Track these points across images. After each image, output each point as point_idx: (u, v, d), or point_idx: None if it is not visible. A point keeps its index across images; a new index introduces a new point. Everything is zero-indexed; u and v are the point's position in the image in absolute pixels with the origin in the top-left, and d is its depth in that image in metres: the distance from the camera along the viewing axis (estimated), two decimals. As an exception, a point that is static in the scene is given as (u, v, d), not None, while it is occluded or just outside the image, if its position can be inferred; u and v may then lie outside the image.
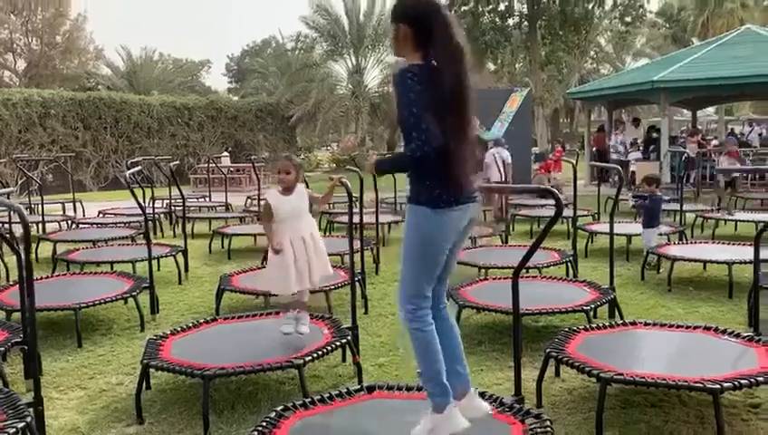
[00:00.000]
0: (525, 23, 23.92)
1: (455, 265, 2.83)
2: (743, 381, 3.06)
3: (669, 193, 13.09)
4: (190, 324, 4.36)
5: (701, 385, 3.04)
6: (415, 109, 2.46)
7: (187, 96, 27.63)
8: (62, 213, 11.56)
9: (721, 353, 3.57)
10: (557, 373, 4.02)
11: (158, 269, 7.35)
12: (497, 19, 23.66)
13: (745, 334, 3.83)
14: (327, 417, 2.94)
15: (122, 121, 23.13)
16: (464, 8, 23.07)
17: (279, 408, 2.96)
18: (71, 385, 4.20)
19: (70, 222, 10.41)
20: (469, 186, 2.64)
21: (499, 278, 5.64)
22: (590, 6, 22.43)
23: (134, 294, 5.30)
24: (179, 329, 4.23)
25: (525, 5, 23.62)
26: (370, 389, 3.19)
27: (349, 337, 3.97)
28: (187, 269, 7.33)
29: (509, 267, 6.04)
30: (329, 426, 2.87)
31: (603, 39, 32.85)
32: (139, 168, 7.40)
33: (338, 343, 3.86)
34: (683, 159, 14.00)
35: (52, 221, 10.34)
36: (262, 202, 4.20)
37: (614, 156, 17.24)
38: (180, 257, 7.25)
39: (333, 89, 27.94)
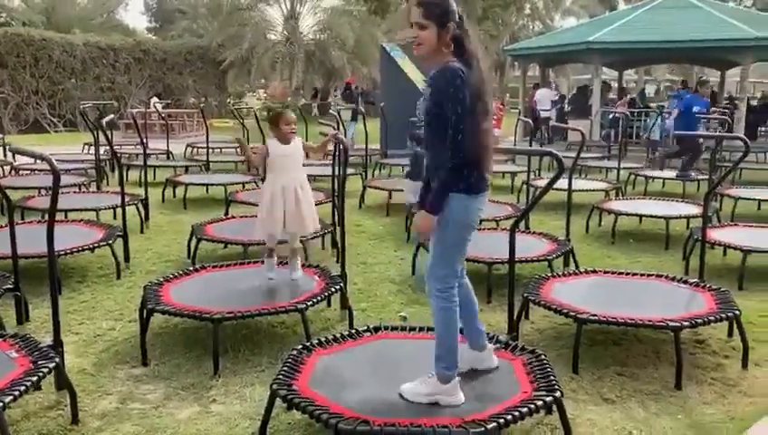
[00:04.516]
0: (463, -25, 24.04)
1: None
2: (698, 321, 3.55)
3: (599, 151, 13.89)
4: (182, 272, 4.48)
5: (664, 324, 3.51)
6: (460, 110, 2.59)
7: (111, 36, 26.33)
8: (-9, 158, 11.07)
9: (675, 297, 4.07)
10: (526, 316, 4.43)
11: (115, 217, 7.31)
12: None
13: (692, 281, 4.36)
14: (344, 354, 3.22)
15: (43, 61, 21.91)
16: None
17: (299, 347, 3.20)
18: (63, 331, 4.21)
19: (9, 168, 10.02)
20: (490, 172, 2.85)
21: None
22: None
23: (110, 242, 5.34)
24: (173, 276, 4.36)
25: (463, -43, 23.71)
26: (376, 329, 3.49)
27: (341, 284, 4.23)
28: (147, 218, 7.32)
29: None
30: (348, 362, 3.15)
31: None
32: (112, 116, 7.21)
33: (333, 290, 4.11)
34: (611, 117, 14.75)
35: (-12, 166, 9.94)
36: (259, 149, 4.41)
37: (543, 113, 17.93)
38: (139, 206, 7.23)
39: (267, 34, 27.31)
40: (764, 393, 3.41)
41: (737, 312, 3.74)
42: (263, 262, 4.77)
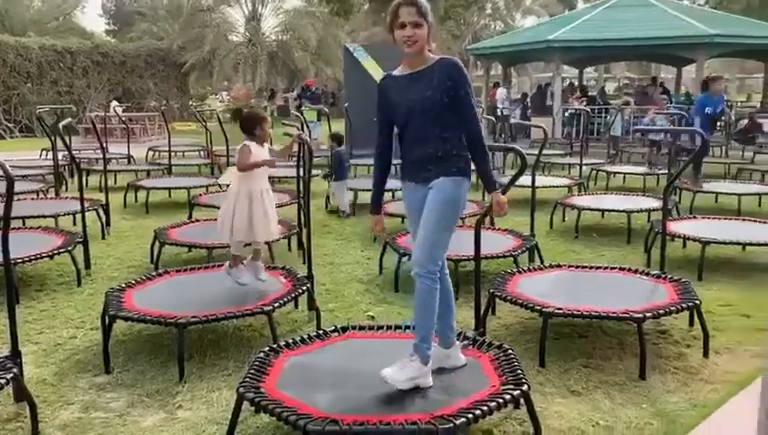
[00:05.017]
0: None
1: None
2: (660, 311, 3.62)
3: (561, 148, 14.09)
4: (144, 277, 4.40)
5: (628, 315, 3.56)
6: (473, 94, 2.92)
7: (67, 39, 25.75)
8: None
9: (637, 289, 4.14)
10: (493, 311, 4.46)
11: (74, 223, 7.15)
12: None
13: (653, 273, 4.44)
14: (312, 355, 3.19)
15: (-3, 65, 21.34)
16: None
17: (266, 349, 3.17)
18: (21, 340, 4.10)
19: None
20: None
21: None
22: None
23: (70, 248, 5.21)
24: (135, 281, 4.27)
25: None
26: (344, 329, 3.47)
27: (308, 285, 4.20)
28: (108, 224, 7.17)
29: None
30: (316, 363, 3.12)
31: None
32: (70, 120, 7.03)
33: (300, 291, 4.07)
34: (568, 114, 14.94)
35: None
36: (238, 151, 4.16)
37: (505, 111, 18.11)
38: (100, 212, 7.07)
39: (229, 36, 27.04)
40: (725, 380, 3.49)
41: (697, 302, 3.83)
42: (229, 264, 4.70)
